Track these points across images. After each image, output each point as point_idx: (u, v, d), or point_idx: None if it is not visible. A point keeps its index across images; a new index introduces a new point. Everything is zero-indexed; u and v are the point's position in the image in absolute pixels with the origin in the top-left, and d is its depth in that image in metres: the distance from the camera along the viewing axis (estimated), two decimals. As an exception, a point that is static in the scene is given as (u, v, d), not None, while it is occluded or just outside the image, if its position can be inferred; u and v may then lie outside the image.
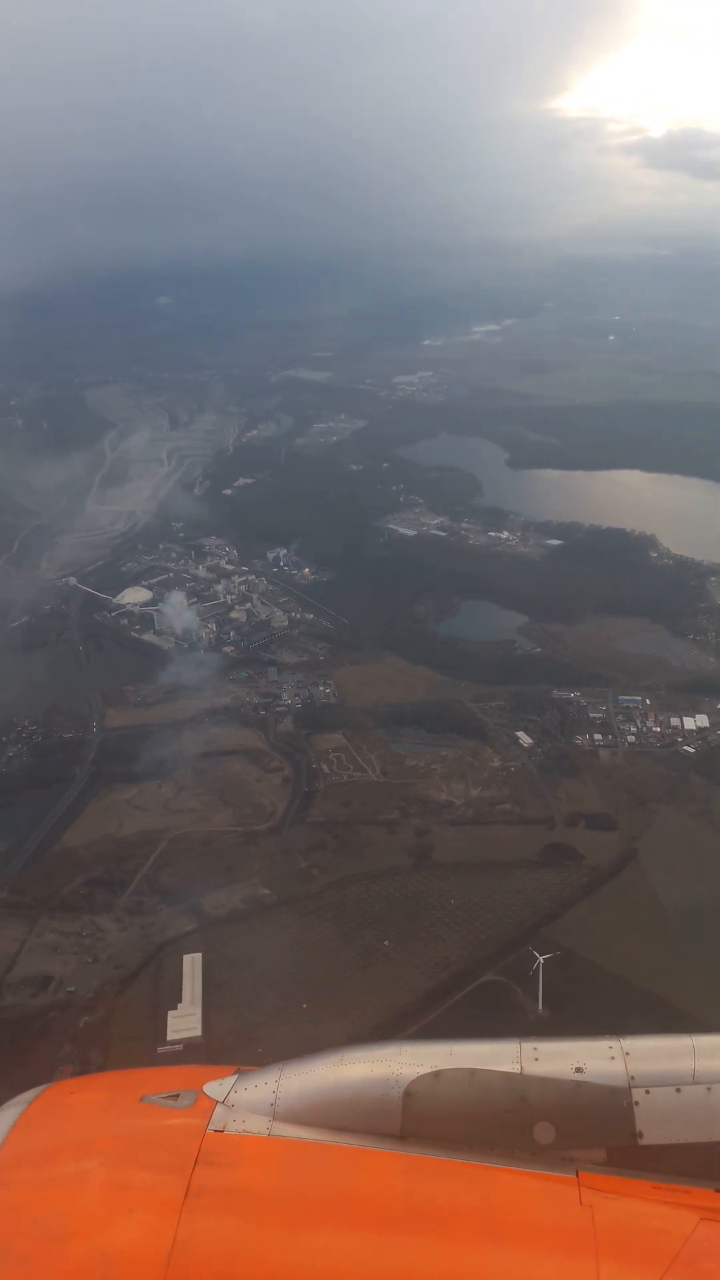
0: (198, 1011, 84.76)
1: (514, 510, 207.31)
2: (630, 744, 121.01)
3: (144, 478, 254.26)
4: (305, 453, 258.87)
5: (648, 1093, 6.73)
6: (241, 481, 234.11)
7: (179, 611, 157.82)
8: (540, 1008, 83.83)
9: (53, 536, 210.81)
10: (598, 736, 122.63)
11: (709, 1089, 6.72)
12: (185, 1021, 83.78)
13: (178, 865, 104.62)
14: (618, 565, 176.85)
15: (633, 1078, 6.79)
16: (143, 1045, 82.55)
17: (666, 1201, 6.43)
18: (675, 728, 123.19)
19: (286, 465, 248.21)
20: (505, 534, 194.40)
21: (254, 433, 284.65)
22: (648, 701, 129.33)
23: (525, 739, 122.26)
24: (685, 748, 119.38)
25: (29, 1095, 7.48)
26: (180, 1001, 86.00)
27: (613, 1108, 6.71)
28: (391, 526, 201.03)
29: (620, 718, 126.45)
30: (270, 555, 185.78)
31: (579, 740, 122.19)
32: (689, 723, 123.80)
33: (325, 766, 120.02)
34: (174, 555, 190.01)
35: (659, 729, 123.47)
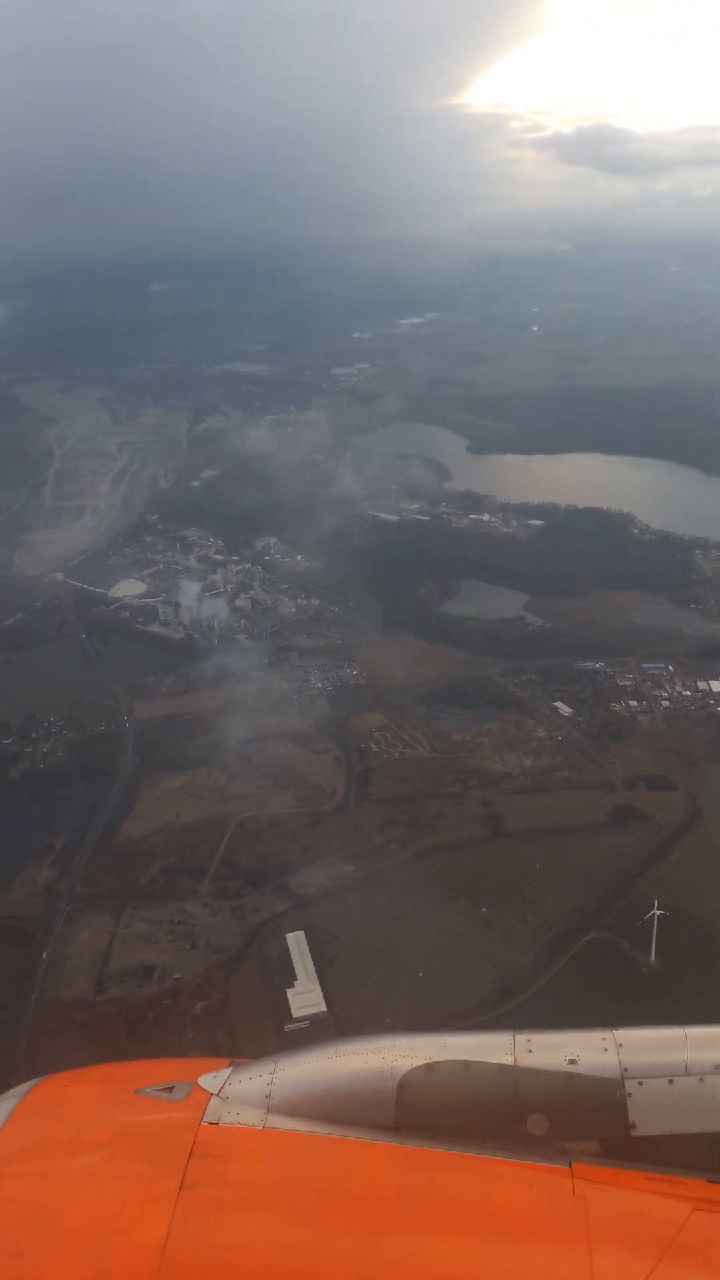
0: (317, 988, 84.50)
1: (487, 494, 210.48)
2: (665, 708, 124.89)
3: (99, 473, 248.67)
4: (264, 444, 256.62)
5: (641, 1084, 6.76)
6: (208, 473, 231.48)
7: (199, 601, 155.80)
8: (652, 959, 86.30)
9: (18, 534, 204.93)
10: (632, 703, 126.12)
11: (701, 1080, 6.76)
12: (307, 998, 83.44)
13: (252, 848, 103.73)
14: (604, 542, 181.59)
15: (625, 1069, 6.80)
16: (267, 1026, 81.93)
17: (659, 1192, 6.45)
18: (704, 691, 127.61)
19: (249, 456, 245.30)
20: (487, 516, 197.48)
21: (204, 425, 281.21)
22: (670, 668, 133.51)
23: (564, 709, 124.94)
24: (719, 709, 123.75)
25: (24, 1088, 7.52)
26: (296, 980, 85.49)
27: (606, 1099, 6.73)
28: (372, 513, 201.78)
29: (649, 684, 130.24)
30: (259, 544, 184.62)
31: (615, 707, 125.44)
32: (715, 686, 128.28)
33: (373, 746, 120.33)
34: (160, 548, 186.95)
35: (688, 693, 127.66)
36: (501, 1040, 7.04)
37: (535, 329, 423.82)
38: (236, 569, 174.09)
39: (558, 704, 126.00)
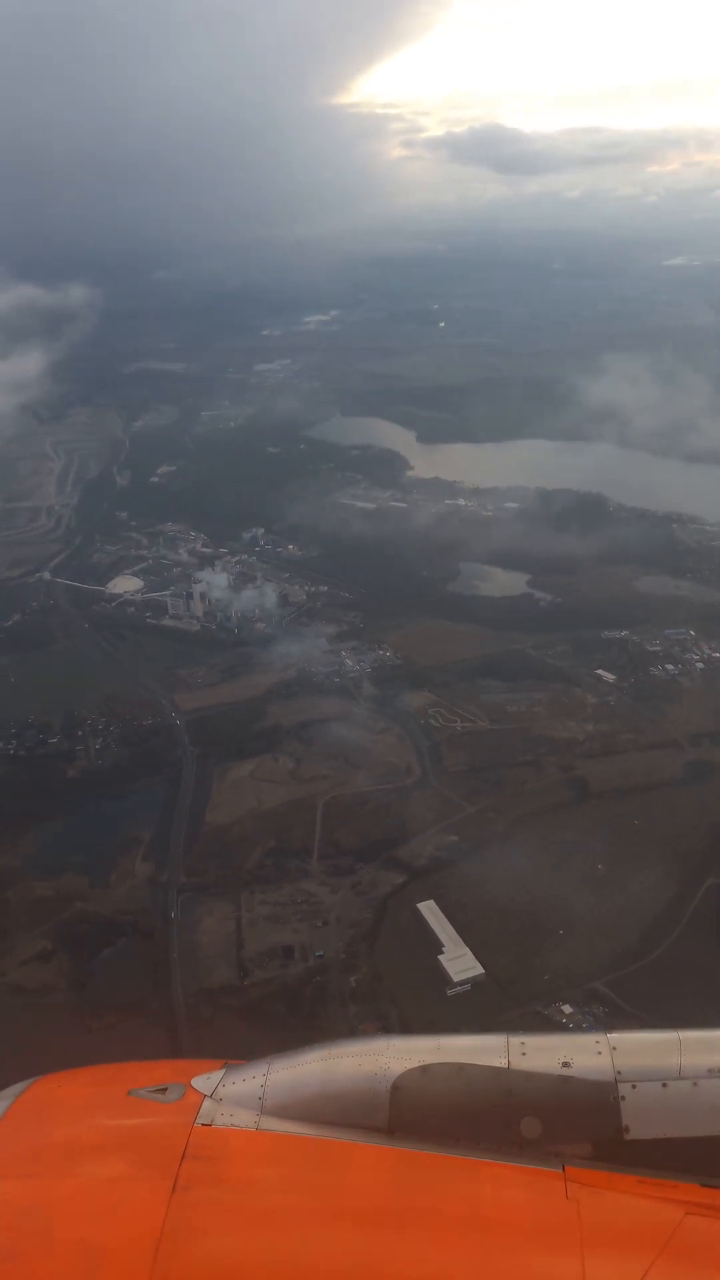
0: (467, 952, 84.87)
1: (454, 480, 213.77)
2: (701, 670, 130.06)
3: (41, 473, 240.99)
4: (212, 439, 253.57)
5: (634, 1087, 6.78)
6: (165, 469, 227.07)
7: (237, 591, 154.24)
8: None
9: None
10: (669, 667, 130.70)
11: (695, 1084, 6.77)
12: (462, 963, 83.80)
13: (348, 826, 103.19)
14: (584, 520, 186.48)
15: (619, 1072, 6.82)
16: (429, 992, 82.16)
17: (652, 1196, 6.46)
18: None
19: (199, 451, 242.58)
20: (462, 501, 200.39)
21: (142, 423, 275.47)
22: (693, 633, 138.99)
23: (607, 676, 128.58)
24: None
25: (16, 1089, 7.57)
26: (443, 947, 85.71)
27: (599, 1102, 6.75)
28: (347, 501, 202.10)
29: (677, 649, 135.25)
30: (247, 535, 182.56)
31: (654, 672, 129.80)
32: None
33: (432, 722, 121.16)
34: (143, 544, 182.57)
35: (718, 655, 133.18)
36: (495, 1043, 7.10)
37: (442, 324, 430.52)
38: (234, 560, 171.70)
39: (599, 671, 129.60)
